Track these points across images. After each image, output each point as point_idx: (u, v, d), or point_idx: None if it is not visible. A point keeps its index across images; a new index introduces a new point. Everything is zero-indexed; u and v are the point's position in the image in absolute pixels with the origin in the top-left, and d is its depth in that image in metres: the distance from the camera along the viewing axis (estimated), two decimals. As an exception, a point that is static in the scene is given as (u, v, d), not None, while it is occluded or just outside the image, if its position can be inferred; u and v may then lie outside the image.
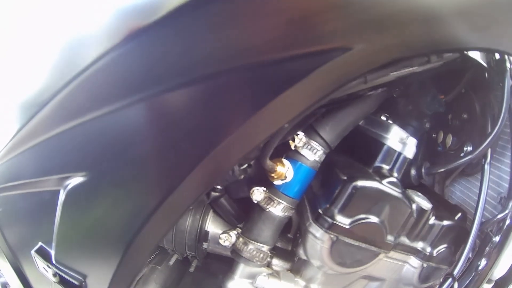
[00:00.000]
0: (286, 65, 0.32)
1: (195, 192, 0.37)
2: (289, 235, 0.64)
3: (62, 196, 0.47)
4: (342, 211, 0.48)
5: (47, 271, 0.56)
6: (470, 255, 0.68)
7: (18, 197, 0.58)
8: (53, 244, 0.53)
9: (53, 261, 0.54)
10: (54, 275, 0.55)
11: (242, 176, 0.49)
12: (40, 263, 0.56)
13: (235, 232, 0.54)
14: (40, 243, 0.56)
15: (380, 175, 0.51)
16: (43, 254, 0.56)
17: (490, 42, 0.46)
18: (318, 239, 0.50)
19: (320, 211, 0.49)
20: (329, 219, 0.48)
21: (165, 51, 0.35)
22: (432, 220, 0.57)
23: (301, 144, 0.49)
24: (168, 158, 0.36)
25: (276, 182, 0.50)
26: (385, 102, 0.71)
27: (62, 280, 0.56)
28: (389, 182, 0.50)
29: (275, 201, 0.51)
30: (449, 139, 0.71)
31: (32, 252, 0.57)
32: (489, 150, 0.62)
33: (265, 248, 0.53)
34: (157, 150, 0.37)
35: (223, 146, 0.34)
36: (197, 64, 0.34)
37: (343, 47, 0.33)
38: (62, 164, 0.47)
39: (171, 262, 0.70)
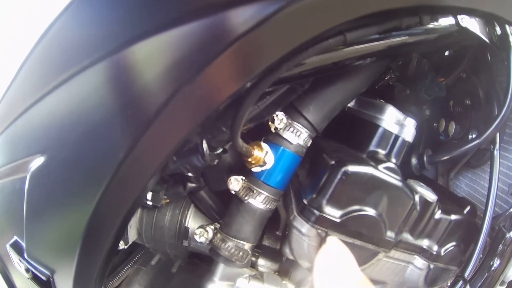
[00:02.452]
0: (241, 9, 0.23)
1: (148, 167, 0.29)
2: (277, 233, 0.53)
3: (27, 182, 0.41)
4: (331, 201, 0.37)
5: (20, 266, 0.49)
6: (481, 254, 0.56)
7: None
8: (24, 237, 0.46)
9: (25, 255, 0.46)
10: (27, 270, 0.48)
11: (216, 162, 0.40)
12: (14, 257, 0.50)
13: (212, 227, 0.44)
14: (15, 237, 0.50)
15: (375, 160, 0.41)
16: (17, 248, 0.50)
17: (489, 5, 0.37)
18: (304, 235, 0.39)
19: (305, 202, 0.39)
20: (315, 211, 0.37)
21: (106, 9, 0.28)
22: (438, 214, 0.45)
23: (282, 125, 0.39)
24: (114, 126, 0.29)
25: (255, 169, 0.40)
26: (379, 88, 0.62)
27: (34, 276, 0.48)
28: (386, 168, 0.40)
29: (255, 191, 0.41)
30: (452, 127, 0.60)
31: (7, 246, 0.50)
32: (498, 135, 0.51)
33: (246, 245, 0.43)
34: (103, 120, 0.29)
35: (174, 108, 0.25)
36: (142, 16, 0.26)
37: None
38: (23, 147, 0.41)
39: (153, 262, 0.61)
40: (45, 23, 0.34)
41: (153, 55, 0.24)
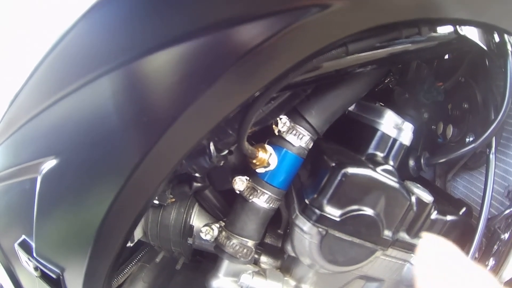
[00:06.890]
0: (252, 24, 0.26)
1: (161, 171, 0.32)
2: (279, 231, 0.56)
3: (38, 183, 0.43)
4: (331, 201, 0.40)
5: (28, 265, 0.52)
6: (477, 255, 0.59)
7: (3, 188, 0.54)
8: (33, 236, 0.48)
9: (34, 254, 0.49)
10: (35, 269, 0.51)
11: (222, 163, 0.43)
12: (23, 256, 0.52)
13: (217, 225, 0.47)
14: (23, 236, 0.52)
15: (373, 163, 0.44)
16: (25, 247, 0.52)
17: (487, 16, 0.40)
18: (305, 233, 0.42)
19: (307, 201, 0.42)
20: (317, 211, 0.40)
21: (125, 19, 0.30)
22: (434, 215, 0.48)
23: (285, 128, 0.42)
24: (130, 132, 0.31)
25: (259, 170, 0.43)
26: (379, 91, 0.65)
27: (43, 274, 0.51)
28: (384, 170, 0.43)
29: (259, 191, 0.44)
30: (450, 130, 0.63)
31: (15, 245, 0.52)
32: (494, 139, 0.54)
33: (250, 243, 0.46)
34: (119, 125, 0.32)
35: (188, 116, 0.27)
36: (159, 29, 0.29)
37: (320, 4, 0.27)
38: (35, 149, 0.43)
39: (157, 260, 0.64)
40: (60, 28, 0.36)
41: (171, 64, 0.27)
